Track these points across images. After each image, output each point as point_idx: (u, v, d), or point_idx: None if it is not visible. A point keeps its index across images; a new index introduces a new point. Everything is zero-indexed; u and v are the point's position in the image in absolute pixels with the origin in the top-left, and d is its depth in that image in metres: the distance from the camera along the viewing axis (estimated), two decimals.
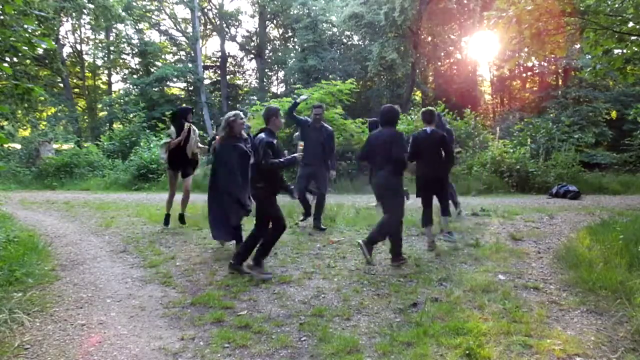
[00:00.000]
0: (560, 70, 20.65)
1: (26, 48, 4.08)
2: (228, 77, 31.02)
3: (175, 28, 28.73)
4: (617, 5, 7.31)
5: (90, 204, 9.39)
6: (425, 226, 5.47)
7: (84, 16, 20.62)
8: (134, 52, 26.45)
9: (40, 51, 14.83)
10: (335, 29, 27.39)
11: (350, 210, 7.85)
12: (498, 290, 3.91)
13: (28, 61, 10.59)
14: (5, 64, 6.25)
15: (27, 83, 4.78)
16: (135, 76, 25.79)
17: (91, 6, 17.90)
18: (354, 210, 7.84)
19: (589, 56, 9.43)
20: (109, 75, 29.38)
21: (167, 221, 6.78)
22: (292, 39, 30.90)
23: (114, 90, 29.10)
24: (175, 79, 26.41)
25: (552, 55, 10.85)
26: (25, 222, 7.34)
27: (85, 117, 27.13)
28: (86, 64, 27.46)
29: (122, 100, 24.49)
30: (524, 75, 23.45)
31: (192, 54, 27.02)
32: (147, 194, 11.41)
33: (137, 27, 26.30)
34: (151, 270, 4.69)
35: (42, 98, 11.60)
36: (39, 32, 6.72)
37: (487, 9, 13.51)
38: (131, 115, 17.95)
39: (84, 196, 11.06)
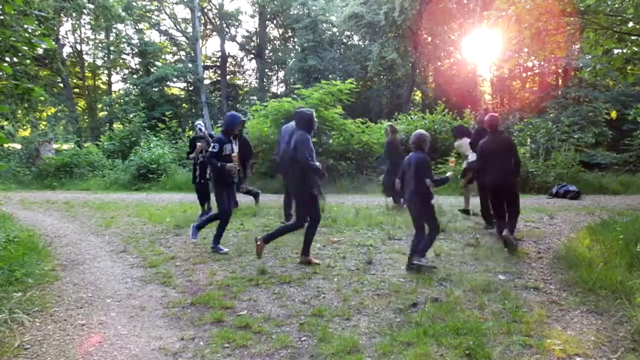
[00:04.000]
0: (560, 70, 20.61)
1: (26, 48, 4.09)
2: (228, 77, 31.06)
3: (175, 28, 28.76)
4: (617, 5, 7.31)
5: (90, 204, 9.39)
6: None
7: (84, 16, 20.64)
8: (134, 52, 26.45)
9: (40, 51, 14.86)
10: (335, 29, 27.41)
11: (350, 210, 7.85)
12: (498, 290, 3.91)
13: (28, 61, 10.57)
14: (5, 64, 6.24)
15: (27, 83, 4.78)
16: (135, 76, 25.80)
17: (91, 6, 17.92)
18: (354, 210, 7.83)
19: (589, 56, 9.41)
20: (109, 75, 29.42)
21: None
22: (292, 39, 30.95)
23: (114, 90, 29.14)
24: (175, 79, 26.42)
25: (552, 55, 10.83)
26: (25, 222, 7.34)
27: (85, 117, 27.14)
28: (86, 64, 27.48)
29: (122, 100, 24.49)
30: (524, 75, 23.42)
31: (192, 54, 27.03)
32: (147, 194, 11.41)
33: (137, 27, 26.31)
34: (151, 270, 4.69)
35: (42, 98, 11.57)
36: (39, 32, 6.71)
37: (487, 8, 13.52)
38: (131, 115, 17.96)
39: (84, 196, 11.06)
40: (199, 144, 7.28)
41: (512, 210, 5.34)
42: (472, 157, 6.74)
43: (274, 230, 5.11)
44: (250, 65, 33.36)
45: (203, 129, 7.52)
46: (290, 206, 7.02)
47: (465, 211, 7.40)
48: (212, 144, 5.42)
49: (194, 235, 5.70)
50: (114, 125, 22.64)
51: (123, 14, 20.74)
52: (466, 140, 7.19)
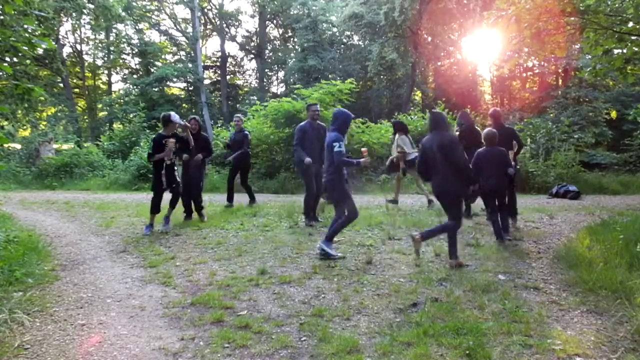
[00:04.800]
0: (560, 70, 20.61)
1: (26, 48, 4.09)
2: (228, 77, 31.05)
3: (175, 28, 28.73)
4: (617, 5, 7.31)
5: (90, 204, 9.39)
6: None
7: (84, 16, 20.63)
8: (134, 52, 26.46)
9: (40, 51, 14.85)
10: (335, 29, 27.39)
11: None
12: (498, 290, 3.91)
13: (28, 61, 10.58)
14: (5, 64, 6.25)
15: (27, 83, 4.78)
16: (135, 76, 25.80)
17: (91, 6, 17.91)
18: None
19: (589, 56, 9.41)
20: (109, 75, 29.43)
21: None
22: (292, 39, 30.93)
23: (114, 90, 29.15)
24: (175, 79, 26.42)
25: (552, 55, 10.82)
26: (25, 222, 7.34)
27: (85, 117, 27.17)
28: (86, 64, 27.49)
29: (122, 100, 24.50)
30: (524, 75, 23.43)
31: (192, 54, 27.01)
32: (147, 194, 11.38)
33: (137, 27, 26.30)
34: (151, 270, 4.69)
35: (42, 98, 11.61)
36: (39, 32, 6.72)
37: (487, 8, 13.51)
38: (131, 115, 17.98)
39: (84, 196, 11.06)
40: (170, 142, 6.21)
41: (511, 187, 6.18)
42: (411, 154, 7.80)
43: (434, 228, 5.02)
44: (250, 65, 33.40)
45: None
46: (312, 208, 6.96)
47: (394, 201, 8.36)
48: (337, 144, 4.73)
49: (330, 251, 4.99)
50: (114, 125, 22.64)
51: (123, 14, 20.74)
52: (406, 138, 8.09)
